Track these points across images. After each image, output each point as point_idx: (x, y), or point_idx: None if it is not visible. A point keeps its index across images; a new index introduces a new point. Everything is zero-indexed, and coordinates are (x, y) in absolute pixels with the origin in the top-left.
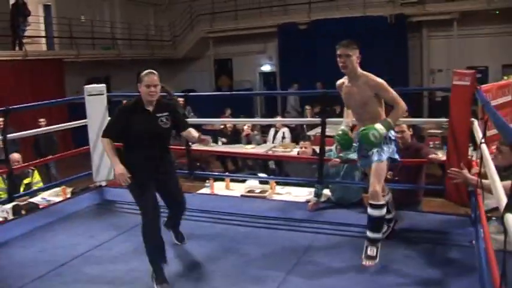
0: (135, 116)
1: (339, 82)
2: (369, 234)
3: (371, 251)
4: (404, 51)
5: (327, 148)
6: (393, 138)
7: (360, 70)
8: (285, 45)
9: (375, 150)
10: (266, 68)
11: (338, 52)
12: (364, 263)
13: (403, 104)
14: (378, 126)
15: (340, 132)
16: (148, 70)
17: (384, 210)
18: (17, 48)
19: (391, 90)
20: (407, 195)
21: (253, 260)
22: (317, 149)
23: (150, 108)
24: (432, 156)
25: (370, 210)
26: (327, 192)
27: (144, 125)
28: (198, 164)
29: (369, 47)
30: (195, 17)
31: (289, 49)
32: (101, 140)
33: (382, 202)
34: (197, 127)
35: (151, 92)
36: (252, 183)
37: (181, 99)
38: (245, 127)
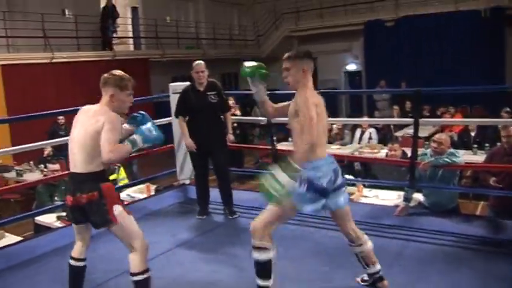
0: (190, 95)
1: None
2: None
3: None
4: (500, 47)
5: (420, 150)
6: (312, 181)
7: (302, 84)
8: (371, 43)
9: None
10: (351, 67)
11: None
12: None
13: (309, 138)
14: (279, 175)
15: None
16: (197, 62)
17: (268, 255)
18: (106, 49)
19: (310, 114)
20: None
21: (340, 266)
22: (406, 150)
23: (201, 88)
24: None
25: (254, 254)
26: (417, 196)
27: (196, 100)
28: (283, 164)
29: (462, 44)
30: (279, 16)
31: (376, 47)
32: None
33: (262, 245)
34: (282, 126)
35: (200, 76)
36: None
37: None
38: (334, 126)
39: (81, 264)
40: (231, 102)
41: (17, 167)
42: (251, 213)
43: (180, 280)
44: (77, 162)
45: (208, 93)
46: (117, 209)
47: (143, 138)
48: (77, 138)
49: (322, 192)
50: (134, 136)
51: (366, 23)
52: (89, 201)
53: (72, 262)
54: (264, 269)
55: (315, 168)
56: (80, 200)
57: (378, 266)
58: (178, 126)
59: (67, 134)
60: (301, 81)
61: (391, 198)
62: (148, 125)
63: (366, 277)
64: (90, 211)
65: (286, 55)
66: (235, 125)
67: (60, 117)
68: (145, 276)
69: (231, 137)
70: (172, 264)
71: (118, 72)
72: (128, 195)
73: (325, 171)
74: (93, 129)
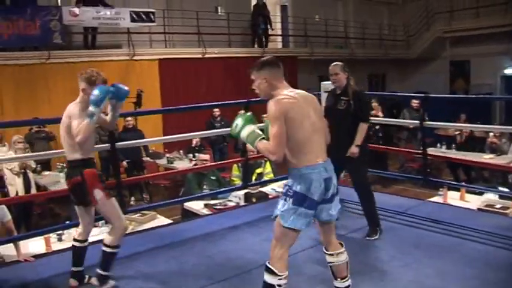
0: (329, 97)
1: None
2: None
3: None
4: None
5: None
6: (299, 194)
7: (271, 93)
8: None
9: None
10: (510, 71)
11: None
12: None
13: (272, 149)
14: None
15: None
16: (333, 63)
17: (276, 280)
18: (255, 46)
19: (275, 127)
20: None
21: (489, 285)
22: None
23: (338, 92)
24: None
25: (264, 273)
26: None
27: (329, 102)
28: (429, 170)
29: None
30: (431, 16)
31: None
32: None
33: (273, 268)
34: (430, 130)
35: (333, 79)
36: (491, 197)
37: (416, 101)
38: (491, 134)
39: (82, 245)
40: (374, 104)
41: (167, 155)
42: (395, 217)
43: (318, 278)
44: (66, 153)
45: (342, 98)
46: (98, 193)
47: (92, 104)
48: (61, 133)
49: (310, 205)
50: (89, 108)
51: None
52: (74, 184)
53: (75, 243)
54: None
55: (302, 177)
56: (68, 184)
57: (347, 283)
58: None
59: (222, 126)
60: (267, 91)
61: None
62: (95, 91)
63: None
64: (74, 192)
65: (255, 64)
66: (377, 127)
67: (216, 109)
68: (113, 250)
69: (354, 149)
70: (312, 261)
71: (90, 69)
72: (273, 189)
73: (315, 180)
74: (65, 127)
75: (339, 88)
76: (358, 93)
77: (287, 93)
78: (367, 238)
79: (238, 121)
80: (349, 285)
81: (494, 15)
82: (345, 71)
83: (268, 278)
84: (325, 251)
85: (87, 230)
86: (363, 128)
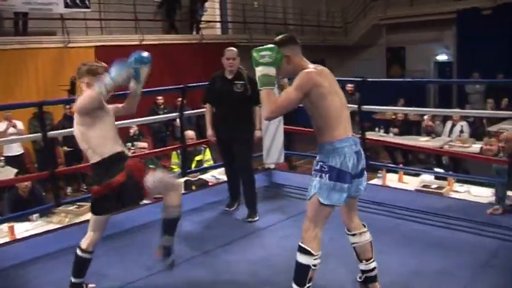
0: (217, 82)
1: None
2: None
3: None
4: None
5: None
6: (334, 168)
7: (295, 69)
8: (464, 33)
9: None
10: (442, 57)
11: None
12: None
13: (274, 107)
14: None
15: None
16: (229, 48)
17: (311, 260)
18: (194, 32)
19: (292, 93)
20: None
21: (427, 262)
22: None
23: (230, 76)
24: None
25: (297, 254)
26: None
27: (221, 88)
28: (368, 153)
29: None
30: (368, 3)
31: (469, 37)
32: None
33: (308, 248)
34: (367, 114)
35: (230, 63)
36: (427, 178)
37: (351, 86)
38: (425, 117)
39: (90, 256)
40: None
41: None
42: None
43: (261, 263)
44: (88, 155)
45: (236, 82)
46: (147, 180)
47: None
48: (76, 137)
49: (346, 179)
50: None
51: (459, 11)
52: (117, 185)
53: (86, 255)
54: (299, 273)
55: (336, 151)
56: (104, 188)
57: (372, 265)
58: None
59: (165, 113)
60: (289, 69)
61: (484, 194)
62: (111, 69)
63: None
64: (124, 191)
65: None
66: None
67: (159, 97)
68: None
69: (258, 133)
70: (255, 246)
71: (87, 61)
72: (213, 176)
73: (348, 154)
74: (78, 126)
75: (231, 72)
76: (251, 77)
77: (313, 67)
78: (249, 220)
79: (272, 53)
80: (375, 267)
81: (428, 4)
82: (238, 56)
83: (303, 259)
84: (347, 232)
85: (98, 240)
86: (260, 111)
